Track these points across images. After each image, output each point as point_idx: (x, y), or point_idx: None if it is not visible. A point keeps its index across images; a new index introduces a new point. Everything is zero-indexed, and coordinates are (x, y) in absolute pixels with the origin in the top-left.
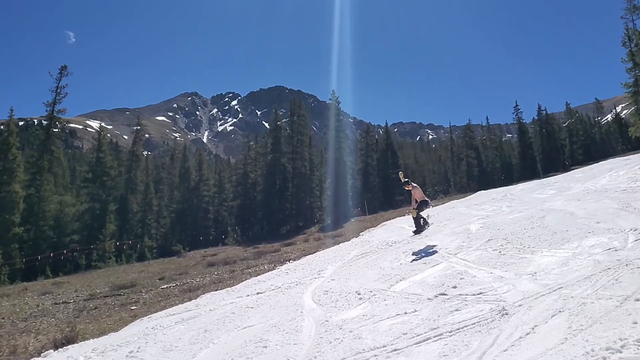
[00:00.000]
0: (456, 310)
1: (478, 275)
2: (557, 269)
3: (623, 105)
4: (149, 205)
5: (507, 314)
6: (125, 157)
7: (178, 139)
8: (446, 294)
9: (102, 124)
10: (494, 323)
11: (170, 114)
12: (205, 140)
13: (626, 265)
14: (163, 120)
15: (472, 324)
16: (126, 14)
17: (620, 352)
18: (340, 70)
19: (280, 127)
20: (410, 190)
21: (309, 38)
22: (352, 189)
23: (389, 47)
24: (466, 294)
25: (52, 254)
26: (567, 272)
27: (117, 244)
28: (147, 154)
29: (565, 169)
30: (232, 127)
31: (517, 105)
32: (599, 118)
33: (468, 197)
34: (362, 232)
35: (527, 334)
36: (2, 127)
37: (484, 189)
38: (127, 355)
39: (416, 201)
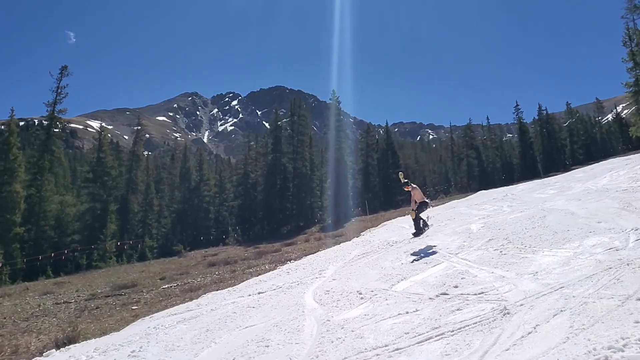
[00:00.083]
0: (458, 309)
1: (479, 275)
2: (558, 269)
3: (624, 105)
4: (150, 205)
5: (508, 314)
6: (125, 157)
7: (178, 139)
8: (447, 294)
9: (103, 124)
10: (495, 322)
11: (171, 114)
12: (205, 140)
13: (627, 264)
14: (163, 120)
15: (473, 324)
16: (126, 14)
17: (622, 351)
18: (340, 70)
19: (280, 127)
20: (409, 191)
21: (309, 38)
22: (352, 189)
23: (389, 47)
24: (467, 294)
25: (53, 254)
26: (568, 272)
27: (118, 244)
28: (148, 154)
29: (566, 168)
30: (232, 127)
31: (517, 105)
32: (599, 118)
33: (469, 197)
34: (363, 232)
35: (529, 333)
36: (2, 127)
37: (485, 189)
38: (129, 355)
39: (415, 202)
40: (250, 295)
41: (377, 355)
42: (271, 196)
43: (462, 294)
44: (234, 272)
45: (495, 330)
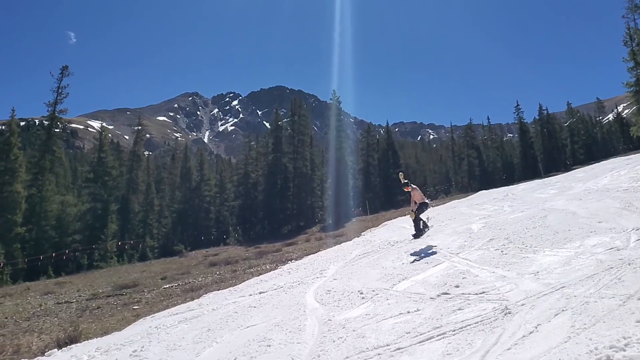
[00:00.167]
0: (459, 309)
1: (480, 275)
2: (559, 269)
3: (624, 104)
4: (151, 205)
5: (510, 313)
6: (126, 157)
7: (179, 139)
8: (449, 293)
9: (103, 124)
10: (497, 322)
11: (171, 114)
12: (206, 140)
13: (629, 264)
14: (164, 120)
15: (475, 323)
16: (127, 14)
17: (624, 350)
18: (341, 70)
19: (281, 127)
20: (409, 191)
21: (310, 38)
22: (353, 189)
23: (390, 47)
24: (469, 293)
25: (54, 254)
26: (569, 272)
27: (119, 243)
28: (148, 154)
29: (567, 168)
30: (233, 127)
31: (518, 105)
32: (600, 117)
33: (469, 196)
34: (364, 232)
35: (531, 332)
36: (3, 127)
37: (485, 189)
38: (130, 355)
39: (415, 203)
40: (251, 295)
41: (379, 354)
42: (272, 196)
43: (463, 294)
44: (235, 272)
45: (497, 329)
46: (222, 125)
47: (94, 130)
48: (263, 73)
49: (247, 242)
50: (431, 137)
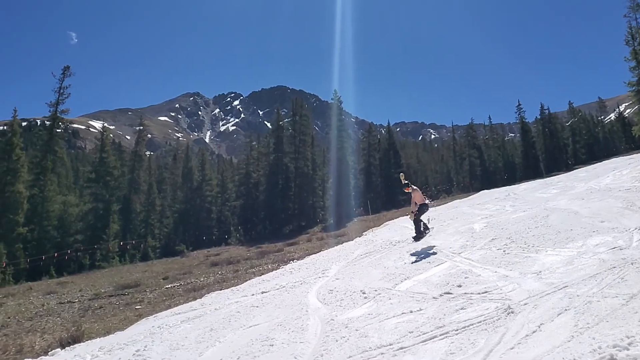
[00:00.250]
0: (462, 308)
1: (483, 274)
2: (562, 268)
3: (626, 104)
4: (152, 205)
5: (512, 313)
6: (128, 157)
7: (180, 139)
8: (451, 293)
9: (105, 124)
10: (500, 321)
11: (173, 114)
12: (207, 140)
13: (631, 263)
14: (165, 121)
15: (478, 323)
16: (128, 15)
17: (628, 349)
18: (342, 70)
19: (282, 126)
20: (410, 192)
21: (311, 38)
22: (354, 189)
23: (391, 47)
24: (471, 293)
25: (56, 254)
26: (572, 271)
27: (121, 243)
28: (150, 154)
29: (568, 168)
30: (234, 127)
31: (519, 105)
32: (602, 117)
33: (471, 196)
34: (365, 232)
35: (534, 332)
36: (5, 127)
37: (487, 189)
38: (134, 354)
39: (416, 204)
40: (253, 294)
41: (382, 354)
42: (273, 196)
43: (465, 293)
44: (236, 272)
45: (500, 329)
46: (223, 125)
47: (96, 131)
48: (264, 73)
49: (248, 242)
50: (432, 136)
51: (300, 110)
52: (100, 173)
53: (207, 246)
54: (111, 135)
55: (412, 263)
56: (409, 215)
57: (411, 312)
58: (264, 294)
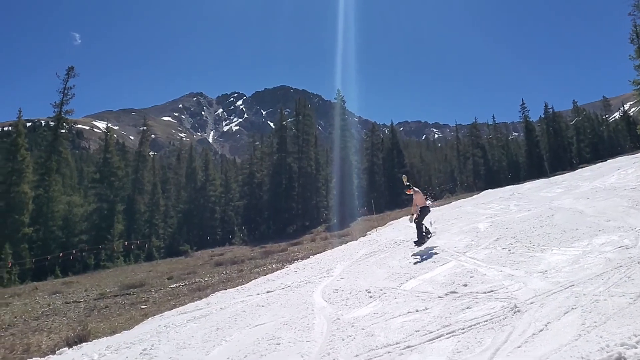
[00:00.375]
0: (467, 307)
1: (488, 274)
2: (567, 267)
3: (631, 102)
4: (156, 205)
5: (519, 311)
6: (132, 158)
7: (184, 139)
8: (457, 292)
9: (109, 124)
10: (506, 320)
11: (176, 114)
12: (210, 140)
13: (638, 262)
14: (169, 121)
15: (484, 321)
16: (131, 15)
17: (636, 347)
18: (345, 70)
19: (285, 126)
20: (411, 194)
21: (314, 38)
22: (358, 189)
23: (394, 46)
24: (477, 292)
25: (61, 254)
26: (578, 270)
27: (125, 243)
28: (154, 154)
29: (573, 167)
30: (237, 127)
31: (523, 104)
32: (606, 116)
33: (475, 196)
34: (369, 232)
35: (541, 330)
36: (10, 128)
37: (491, 188)
38: (141, 353)
39: (417, 206)
40: (259, 294)
41: (389, 352)
42: (277, 196)
43: (471, 293)
44: (241, 272)
45: (507, 327)
46: (226, 125)
47: (100, 131)
48: (267, 73)
49: (252, 242)
50: (436, 136)
51: (304, 110)
52: (105, 173)
53: (211, 246)
54: (115, 135)
55: (417, 262)
56: (410, 218)
57: (417, 311)
58: (269, 293)
